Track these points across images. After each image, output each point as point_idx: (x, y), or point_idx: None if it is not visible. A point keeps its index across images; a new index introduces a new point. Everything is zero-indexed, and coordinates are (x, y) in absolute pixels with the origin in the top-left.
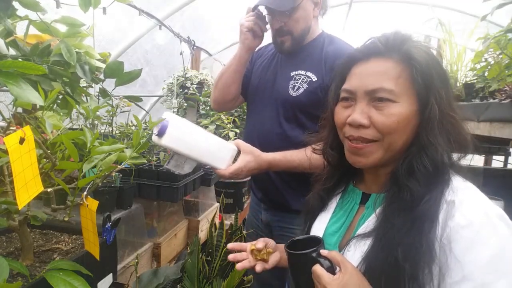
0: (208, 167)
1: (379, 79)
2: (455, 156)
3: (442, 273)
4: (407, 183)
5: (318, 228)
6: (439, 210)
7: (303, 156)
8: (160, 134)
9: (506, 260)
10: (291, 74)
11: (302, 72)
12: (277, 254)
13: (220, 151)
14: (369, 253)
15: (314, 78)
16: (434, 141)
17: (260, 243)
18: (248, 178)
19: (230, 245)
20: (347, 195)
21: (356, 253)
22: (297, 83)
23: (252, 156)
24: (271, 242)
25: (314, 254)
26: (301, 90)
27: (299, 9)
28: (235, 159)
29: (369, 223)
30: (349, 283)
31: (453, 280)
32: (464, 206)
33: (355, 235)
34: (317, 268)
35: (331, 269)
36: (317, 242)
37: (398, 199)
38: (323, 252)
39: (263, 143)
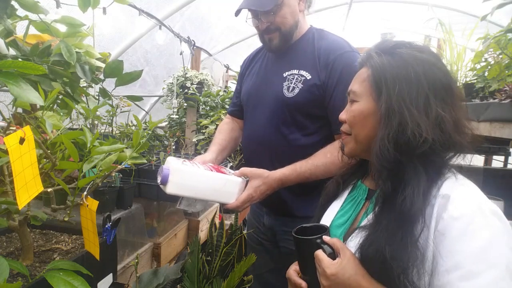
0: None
1: (352, 83)
2: (448, 155)
3: (435, 261)
4: (376, 178)
5: (327, 217)
6: (426, 207)
7: (312, 165)
8: (163, 182)
9: (495, 252)
10: (284, 74)
11: (295, 71)
12: None
13: (226, 186)
14: (361, 244)
15: (309, 76)
16: (382, 137)
17: None
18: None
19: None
20: (355, 191)
21: (356, 243)
22: (291, 83)
23: (261, 180)
24: None
25: (318, 241)
26: (296, 90)
27: (283, 6)
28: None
29: (371, 217)
30: (346, 268)
31: (444, 268)
32: (458, 200)
33: (358, 226)
34: (319, 253)
35: (333, 255)
36: (324, 229)
37: (378, 195)
38: (326, 238)
39: (262, 150)
